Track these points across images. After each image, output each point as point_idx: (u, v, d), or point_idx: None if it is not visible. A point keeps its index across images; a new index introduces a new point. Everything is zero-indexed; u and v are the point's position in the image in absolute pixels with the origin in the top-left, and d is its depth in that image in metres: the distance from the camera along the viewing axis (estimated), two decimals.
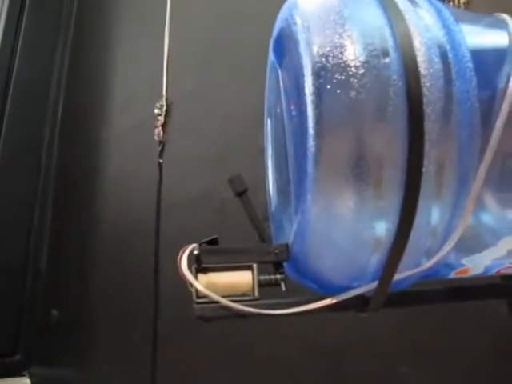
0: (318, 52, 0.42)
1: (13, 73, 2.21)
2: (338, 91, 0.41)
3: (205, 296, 0.47)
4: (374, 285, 0.46)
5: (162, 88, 1.78)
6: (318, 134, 0.41)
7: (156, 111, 1.76)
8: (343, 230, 0.44)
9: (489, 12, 0.53)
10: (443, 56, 0.43)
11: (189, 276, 0.47)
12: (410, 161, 0.41)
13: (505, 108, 0.43)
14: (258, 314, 0.47)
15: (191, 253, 0.48)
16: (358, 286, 0.47)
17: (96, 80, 2.22)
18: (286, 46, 0.51)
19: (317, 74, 0.42)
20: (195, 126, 1.69)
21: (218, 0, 1.74)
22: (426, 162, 0.41)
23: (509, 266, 0.51)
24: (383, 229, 0.43)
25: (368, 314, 0.50)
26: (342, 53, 0.42)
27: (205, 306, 0.47)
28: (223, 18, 1.68)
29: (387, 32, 0.43)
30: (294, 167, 0.49)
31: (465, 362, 0.99)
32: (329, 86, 0.42)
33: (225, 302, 0.47)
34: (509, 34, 0.47)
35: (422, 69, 0.42)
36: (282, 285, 0.50)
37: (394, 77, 0.42)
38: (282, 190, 0.58)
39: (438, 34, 0.45)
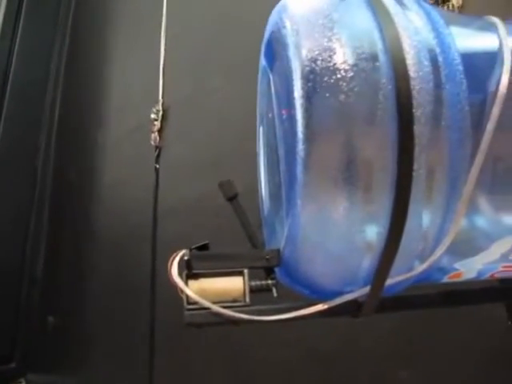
0: (307, 55, 0.42)
1: (9, 77, 2.20)
2: (327, 95, 0.41)
3: (195, 302, 0.46)
4: (367, 289, 0.46)
5: (159, 93, 1.78)
6: (308, 138, 0.41)
7: (152, 116, 1.76)
8: (334, 234, 0.43)
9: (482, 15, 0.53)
10: (433, 59, 0.43)
11: (179, 282, 0.46)
12: (400, 164, 0.41)
13: (495, 111, 0.43)
14: (249, 320, 0.46)
15: (182, 258, 0.48)
16: (351, 291, 0.47)
17: (93, 85, 2.22)
18: (276, 49, 0.51)
19: (306, 78, 0.42)
20: (191, 131, 1.69)
21: (215, 5, 1.74)
22: (416, 165, 0.41)
23: (502, 269, 0.51)
24: (374, 233, 0.43)
25: (362, 319, 0.49)
26: (331, 56, 0.42)
27: (195, 312, 0.46)
28: (219, 23, 1.68)
29: (376, 35, 0.43)
30: (285, 171, 0.48)
31: (463, 365, 0.99)
32: (318, 90, 0.41)
33: (215, 308, 0.46)
34: (499, 37, 0.47)
35: (412, 72, 0.42)
36: (274, 290, 0.50)
37: (384, 80, 0.41)
38: (275, 194, 0.57)
39: (428, 36, 0.44)
